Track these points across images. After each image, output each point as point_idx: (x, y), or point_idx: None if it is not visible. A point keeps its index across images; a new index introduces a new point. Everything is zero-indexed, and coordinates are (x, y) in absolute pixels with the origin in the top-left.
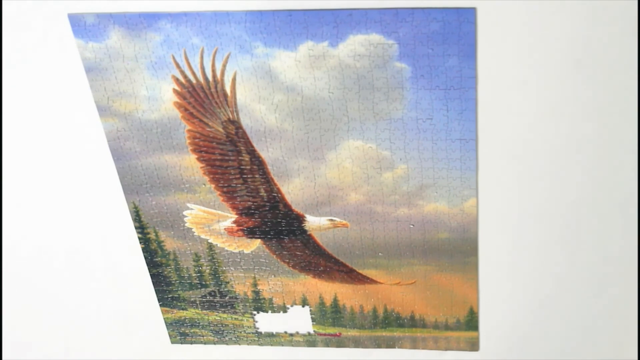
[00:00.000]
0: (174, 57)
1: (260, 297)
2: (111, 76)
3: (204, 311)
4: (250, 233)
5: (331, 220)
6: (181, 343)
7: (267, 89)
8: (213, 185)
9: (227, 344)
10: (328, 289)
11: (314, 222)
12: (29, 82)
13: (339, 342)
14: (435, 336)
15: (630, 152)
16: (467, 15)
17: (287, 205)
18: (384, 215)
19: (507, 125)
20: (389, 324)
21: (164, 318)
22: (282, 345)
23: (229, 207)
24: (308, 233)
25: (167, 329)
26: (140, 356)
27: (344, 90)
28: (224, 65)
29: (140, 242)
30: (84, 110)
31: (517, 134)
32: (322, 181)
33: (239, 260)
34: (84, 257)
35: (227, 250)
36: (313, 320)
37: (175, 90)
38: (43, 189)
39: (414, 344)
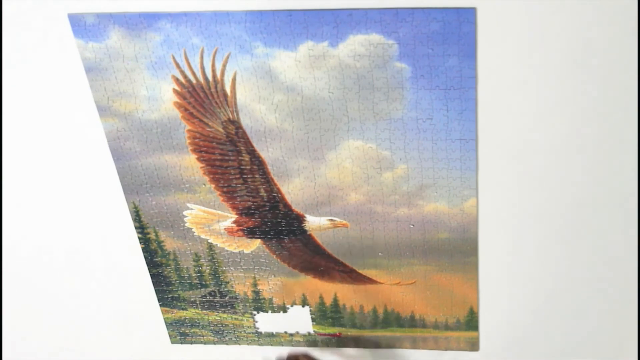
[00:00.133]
0: (174, 57)
1: (260, 297)
2: (111, 76)
3: (204, 311)
4: (250, 233)
5: (331, 220)
6: (181, 343)
7: (267, 89)
8: (213, 185)
9: (227, 344)
10: (328, 289)
11: (314, 222)
12: (29, 82)
13: (339, 342)
14: (435, 336)
15: (630, 152)
16: (467, 15)
17: (287, 205)
18: (384, 215)
19: (507, 125)
20: (389, 324)
21: (164, 318)
22: (282, 345)
23: (229, 207)
24: (308, 233)
25: (167, 329)
26: (140, 356)
27: (344, 90)
28: (224, 65)
29: (140, 242)
30: (84, 110)
31: (517, 134)
32: (322, 181)
33: (239, 260)
34: (84, 257)
35: (227, 250)
36: (313, 320)
37: (175, 90)
38: (43, 189)
39: (414, 344)
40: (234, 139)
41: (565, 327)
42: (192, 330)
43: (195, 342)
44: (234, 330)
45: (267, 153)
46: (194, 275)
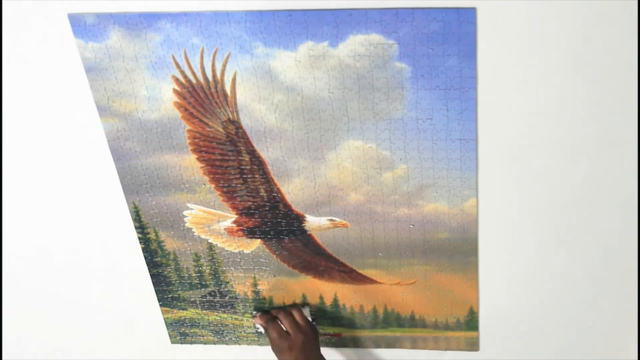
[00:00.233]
0: (174, 57)
1: (260, 297)
2: (111, 76)
3: (204, 311)
4: (250, 233)
5: (331, 220)
6: (181, 343)
7: (267, 89)
8: (213, 185)
9: (227, 344)
10: (328, 289)
11: (314, 222)
12: (29, 82)
13: (338, 342)
14: (435, 336)
15: (630, 152)
16: (467, 15)
17: (287, 205)
18: (384, 215)
19: (507, 125)
20: (389, 324)
21: (164, 318)
22: None
23: (229, 207)
24: (308, 233)
25: (167, 329)
26: (140, 356)
27: (344, 90)
28: (224, 65)
29: (140, 242)
30: (84, 110)
31: (517, 134)
32: (322, 181)
33: (239, 260)
34: (84, 257)
35: (227, 250)
36: (313, 320)
37: (175, 90)
38: (43, 189)
39: (414, 344)
40: (234, 139)
41: (565, 327)
42: (192, 330)
43: (195, 342)
44: (234, 330)
45: (267, 153)
46: (194, 275)
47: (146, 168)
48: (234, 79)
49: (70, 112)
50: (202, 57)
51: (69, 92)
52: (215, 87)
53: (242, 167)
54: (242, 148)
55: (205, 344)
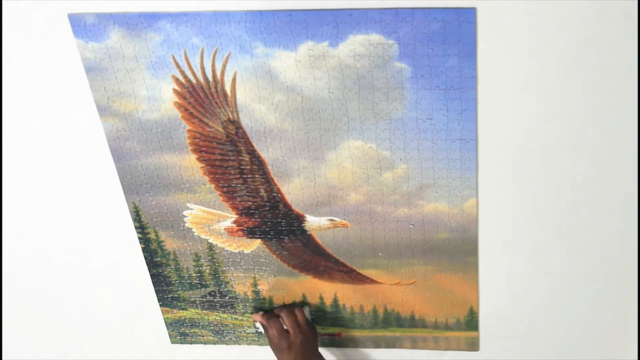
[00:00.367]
0: (174, 57)
1: (260, 297)
2: (111, 76)
3: (204, 311)
4: (250, 233)
5: (331, 220)
6: (181, 343)
7: (267, 89)
8: (213, 185)
9: (227, 344)
10: (328, 289)
11: (314, 222)
12: (29, 82)
13: (338, 342)
14: (435, 336)
15: (630, 152)
16: (467, 15)
17: (287, 205)
18: (384, 215)
19: (507, 125)
20: (389, 324)
21: (164, 318)
22: None
23: (229, 207)
24: (308, 233)
25: (167, 329)
26: (140, 356)
27: (344, 90)
28: (224, 65)
29: (140, 242)
30: (84, 110)
31: (517, 134)
32: (322, 181)
33: (239, 260)
34: (84, 257)
35: (227, 250)
36: (313, 320)
37: (175, 90)
38: (43, 189)
39: (414, 344)
40: (234, 139)
41: (565, 327)
42: (192, 330)
43: (195, 342)
44: (234, 330)
45: (267, 153)
46: (194, 275)
47: (146, 168)
48: (234, 79)
49: (71, 112)
50: (202, 57)
51: (69, 92)
52: (215, 87)
53: (242, 167)
54: (242, 148)
55: (205, 344)
